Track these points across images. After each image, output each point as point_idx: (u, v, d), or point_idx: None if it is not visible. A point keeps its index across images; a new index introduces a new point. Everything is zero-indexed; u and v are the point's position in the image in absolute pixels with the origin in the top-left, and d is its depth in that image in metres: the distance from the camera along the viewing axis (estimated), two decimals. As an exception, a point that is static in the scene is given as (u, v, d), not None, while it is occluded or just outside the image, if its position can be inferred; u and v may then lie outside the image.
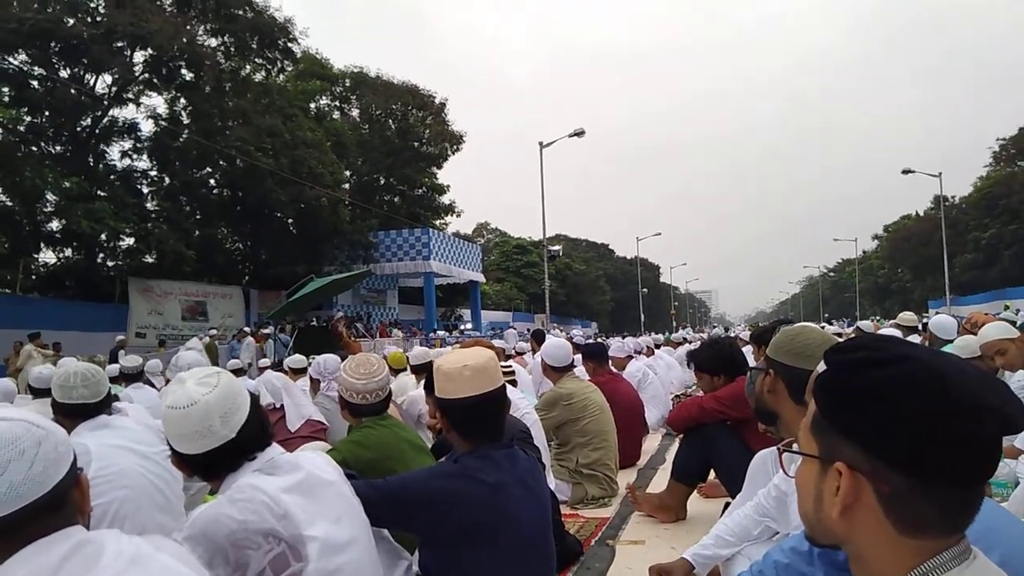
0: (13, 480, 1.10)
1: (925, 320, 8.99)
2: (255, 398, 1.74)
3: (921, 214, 56.08)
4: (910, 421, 0.79)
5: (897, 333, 7.14)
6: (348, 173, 31.52)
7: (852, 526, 0.86)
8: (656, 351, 10.40)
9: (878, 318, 37.25)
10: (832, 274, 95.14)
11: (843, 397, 0.85)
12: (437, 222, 36.62)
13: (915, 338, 7.46)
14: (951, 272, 35.24)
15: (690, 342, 13.77)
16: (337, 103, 34.16)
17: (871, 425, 0.82)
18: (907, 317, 8.44)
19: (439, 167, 36.41)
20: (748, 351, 4.62)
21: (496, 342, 9.65)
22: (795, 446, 0.95)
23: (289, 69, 27.20)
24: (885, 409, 0.81)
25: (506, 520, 1.92)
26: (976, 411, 0.79)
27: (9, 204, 18.97)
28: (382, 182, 34.76)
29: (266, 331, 18.63)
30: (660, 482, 4.53)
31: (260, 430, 1.70)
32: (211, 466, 1.67)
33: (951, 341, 5.43)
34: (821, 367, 0.91)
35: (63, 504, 1.16)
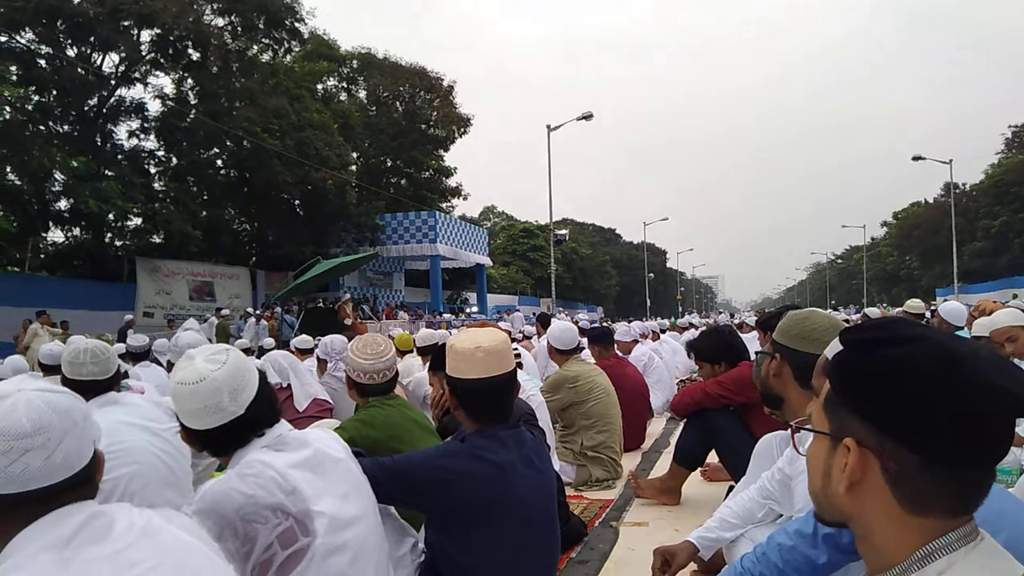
0: (68, 450, 1.14)
1: (933, 308, 8.95)
2: (263, 375, 1.75)
3: (931, 201, 55.72)
4: (919, 399, 0.80)
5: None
6: (355, 155, 31.45)
7: (859, 503, 0.86)
8: (661, 336, 10.41)
9: (885, 305, 37.15)
10: (840, 261, 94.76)
11: (855, 374, 0.86)
12: (444, 205, 36.58)
13: (922, 325, 7.43)
14: (960, 260, 35.02)
15: (696, 327, 13.76)
16: (344, 85, 34.02)
17: (880, 401, 0.82)
18: (914, 304, 8.40)
19: (446, 150, 36.35)
20: (754, 336, 4.62)
21: (501, 324, 9.67)
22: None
23: (296, 50, 27.08)
24: (895, 386, 0.81)
25: (512, 499, 1.93)
26: (987, 392, 0.78)
27: (17, 183, 19.03)
28: (389, 164, 34.69)
29: (268, 312, 18.73)
30: (664, 465, 4.55)
31: (269, 407, 1.72)
32: (220, 442, 1.68)
33: (961, 328, 5.41)
34: (836, 346, 0.91)
35: (92, 477, 1.20)
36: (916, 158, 33.02)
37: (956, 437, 0.79)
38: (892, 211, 68.58)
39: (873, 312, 11.16)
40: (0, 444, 1.09)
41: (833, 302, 68.72)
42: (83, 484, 1.17)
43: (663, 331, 11.67)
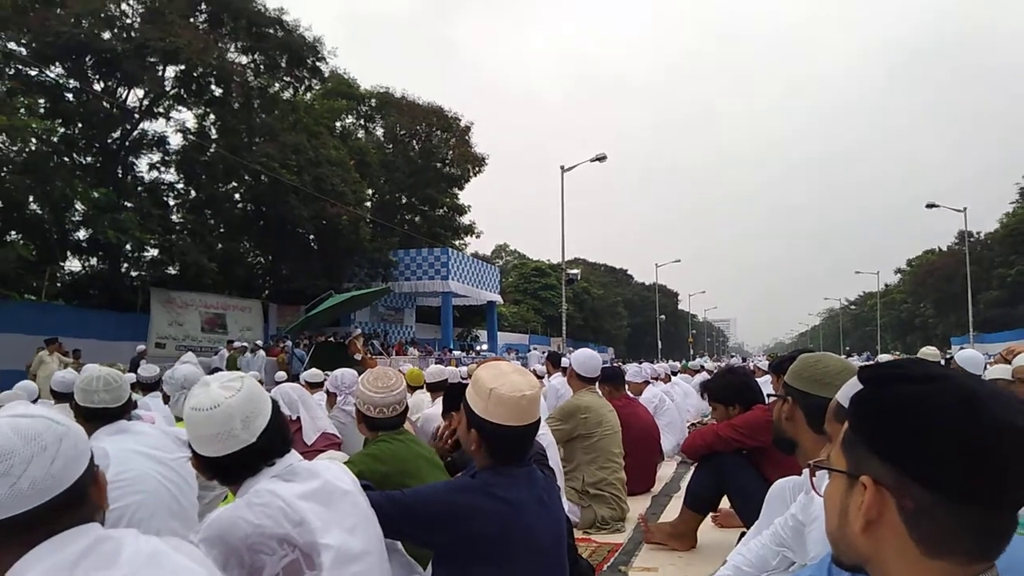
0: (35, 476, 1.11)
1: (948, 356, 8.85)
2: (276, 405, 1.75)
3: (945, 249, 55.49)
4: (937, 435, 0.79)
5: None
6: (370, 191, 31.81)
7: (875, 544, 0.84)
8: (673, 378, 10.33)
9: (899, 353, 36.70)
10: (853, 307, 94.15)
11: (873, 411, 0.86)
12: (456, 242, 36.78)
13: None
14: (975, 309, 34.71)
15: (708, 370, 13.64)
16: (362, 122, 34.58)
17: (897, 438, 0.82)
18: (929, 352, 8.32)
19: (460, 188, 36.68)
20: (767, 381, 4.58)
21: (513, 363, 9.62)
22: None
23: (316, 88, 27.60)
24: (913, 423, 0.81)
25: (522, 537, 1.90)
26: (1006, 431, 0.78)
27: (39, 212, 19.36)
28: (404, 201, 35.03)
29: (280, 345, 18.76)
30: (674, 509, 4.47)
31: (280, 436, 1.72)
32: (230, 470, 1.68)
33: (978, 376, 5.34)
34: (854, 385, 0.91)
35: (81, 501, 1.17)
36: (930, 205, 33.02)
37: (973, 475, 0.78)
38: (906, 258, 68.43)
39: (885, 359, 11.05)
40: None
41: (847, 348, 68.06)
42: (70, 509, 1.15)
43: (674, 373, 11.58)
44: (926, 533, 0.81)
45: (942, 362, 8.55)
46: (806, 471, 1.03)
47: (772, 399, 2.38)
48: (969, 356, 6.01)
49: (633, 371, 7.76)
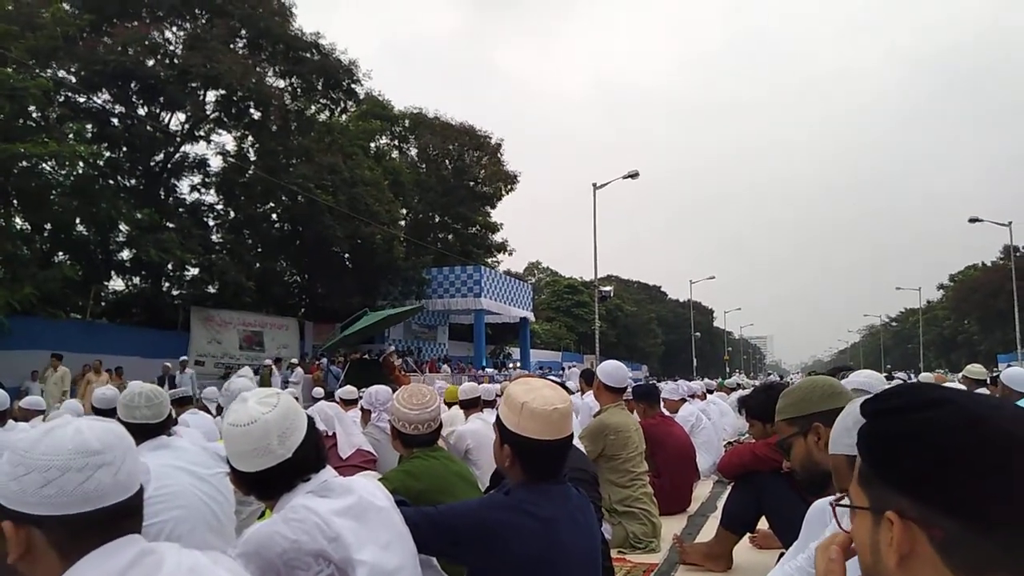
0: (130, 469, 1.19)
1: (995, 374, 8.58)
2: (312, 421, 1.78)
3: (988, 264, 54.04)
4: (947, 461, 0.78)
5: (962, 387, 6.84)
6: (404, 211, 32.18)
7: None
8: (709, 396, 10.19)
9: (944, 370, 35.74)
10: (895, 323, 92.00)
11: (881, 445, 0.85)
12: (489, 260, 36.93)
13: (984, 391, 7.13)
14: (1022, 326, 33.67)
15: (744, 388, 13.44)
16: (396, 143, 35.08)
17: (910, 469, 0.81)
18: (975, 370, 8.07)
19: (493, 206, 36.89)
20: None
21: (550, 378, 9.59)
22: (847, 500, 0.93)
23: (352, 109, 28.11)
24: (923, 453, 0.80)
25: (556, 556, 1.89)
26: (1015, 445, 0.77)
27: (85, 234, 20.00)
28: (437, 220, 35.35)
29: (316, 362, 18.98)
30: (711, 530, 4.40)
31: (315, 452, 1.74)
32: (267, 485, 1.70)
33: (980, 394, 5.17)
34: (855, 416, 0.91)
35: (138, 510, 1.22)
36: (973, 220, 32.25)
37: (990, 495, 0.76)
38: (948, 273, 66.81)
39: (926, 378, 10.76)
40: (76, 461, 1.13)
41: (889, 366, 66.44)
42: (129, 515, 1.20)
43: (710, 391, 11.43)
44: (961, 560, 0.79)
45: (988, 379, 8.30)
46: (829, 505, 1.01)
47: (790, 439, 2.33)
48: (1015, 374, 5.82)
49: (669, 388, 7.68)
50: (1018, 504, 0.77)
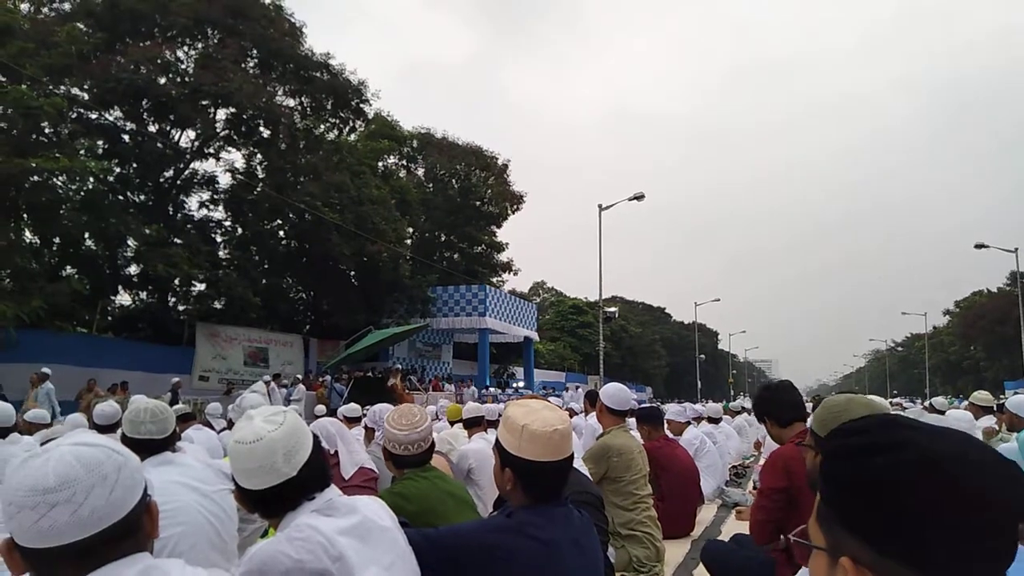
0: (95, 504, 1.16)
1: (1001, 400, 8.52)
2: (318, 439, 1.78)
3: (995, 291, 53.83)
4: (905, 512, 0.76)
5: (969, 414, 6.80)
6: (411, 229, 32.31)
7: None
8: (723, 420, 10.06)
9: (950, 397, 35.48)
10: (900, 349, 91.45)
11: (838, 488, 0.83)
12: (494, 279, 36.98)
13: (990, 419, 7.10)
14: (1029, 352, 33.43)
15: (748, 411, 13.37)
16: (404, 162, 35.30)
17: (866, 516, 0.79)
18: (982, 397, 8.03)
19: (499, 226, 37.02)
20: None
21: (551, 399, 9.57)
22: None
23: (360, 129, 28.33)
24: (877, 500, 0.78)
25: (558, 579, 1.88)
26: (973, 497, 0.75)
27: (94, 248, 20.14)
28: (443, 239, 35.48)
29: (320, 379, 18.96)
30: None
31: (320, 471, 1.74)
32: (271, 503, 1.70)
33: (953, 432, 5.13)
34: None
35: (136, 530, 1.21)
36: (979, 246, 32.18)
37: (948, 548, 0.74)
38: (953, 300, 66.56)
39: (939, 402, 10.70)
40: (28, 499, 1.12)
41: (894, 392, 65.89)
42: (125, 537, 1.19)
43: (718, 418, 11.34)
44: None
45: (995, 407, 8.24)
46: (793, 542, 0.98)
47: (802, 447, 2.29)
48: (1021, 402, 5.78)
49: (675, 410, 7.59)
50: (979, 558, 0.75)
